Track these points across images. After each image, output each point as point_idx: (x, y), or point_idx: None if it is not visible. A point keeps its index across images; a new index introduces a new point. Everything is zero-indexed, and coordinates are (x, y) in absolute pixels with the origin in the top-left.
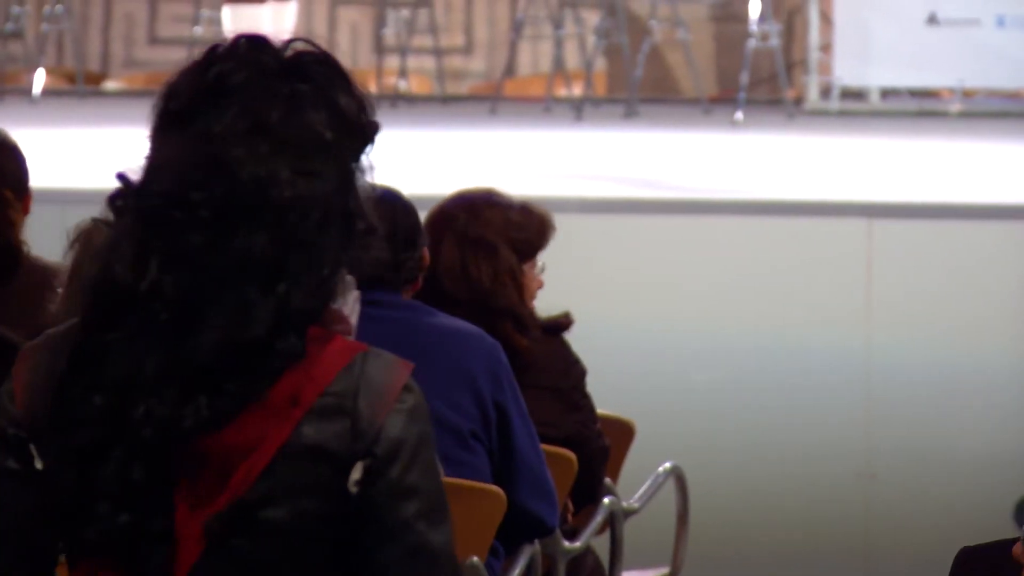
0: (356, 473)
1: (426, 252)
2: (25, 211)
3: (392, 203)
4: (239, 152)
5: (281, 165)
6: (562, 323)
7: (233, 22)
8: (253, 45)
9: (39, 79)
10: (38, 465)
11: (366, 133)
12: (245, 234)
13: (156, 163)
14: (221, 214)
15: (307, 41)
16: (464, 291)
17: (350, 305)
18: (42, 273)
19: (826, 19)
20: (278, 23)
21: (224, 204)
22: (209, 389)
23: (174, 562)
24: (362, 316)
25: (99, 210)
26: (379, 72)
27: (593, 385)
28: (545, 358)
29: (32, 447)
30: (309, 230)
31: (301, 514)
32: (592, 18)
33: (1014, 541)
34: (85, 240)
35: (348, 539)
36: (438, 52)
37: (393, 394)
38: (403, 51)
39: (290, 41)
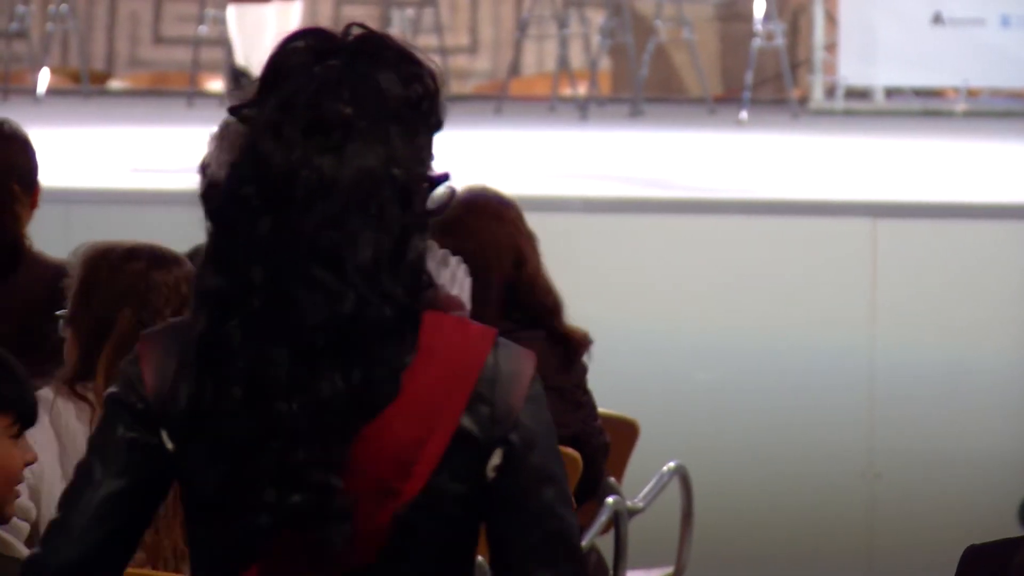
0: (496, 459)
1: None
2: (33, 205)
3: None
4: (267, 142)
5: (309, 149)
6: (577, 341)
7: (238, 22)
8: (304, 34)
9: (44, 78)
10: (169, 446)
11: (412, 105)
12: (298, 218)
13: (210, 161)
14: (271, 203)
15: (360, 25)
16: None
17: (458, 281)
18: (43, 268)
19: (831, 19)
20: (282, 23)
21: (268, 194)
22: (336, 368)
23: (354, 547)
24: None
25: (103, 209)
26: None
27: (597, 384)
28: (545, 357)
29: (163, 429)
30: (354, 207)
31: (455, 498)
32: (597, 17)
33: (1022, 540)
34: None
35: (475, 525)
36: (443, 51)
37: (525, 383)
38: None
39: (349, 26)
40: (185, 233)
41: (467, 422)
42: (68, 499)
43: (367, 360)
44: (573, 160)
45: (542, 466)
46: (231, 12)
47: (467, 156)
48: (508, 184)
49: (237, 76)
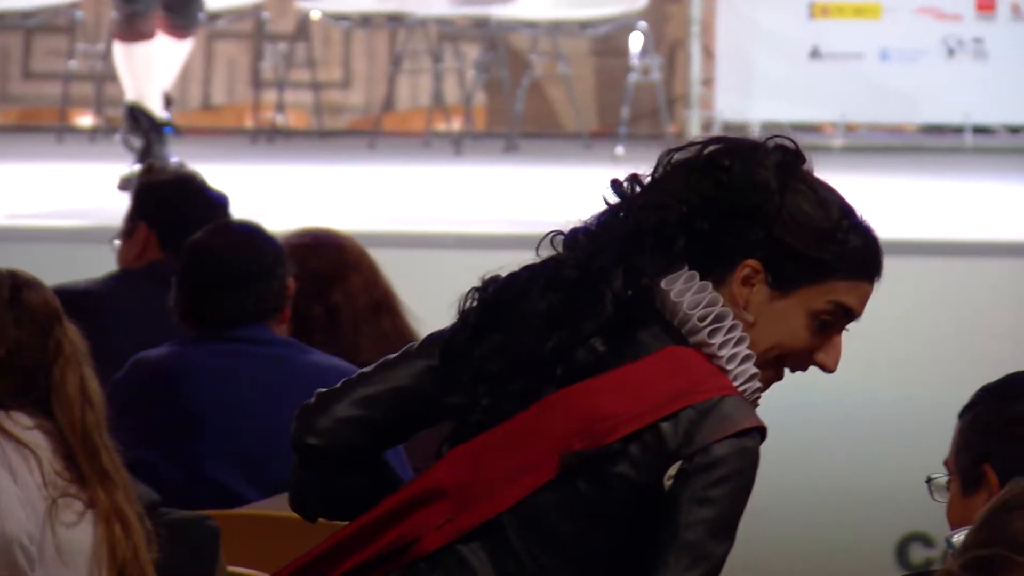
0: (672, 470)
1: (291, 282)
2: None
3: (249, 234)
4: None
5: None
6: None
7: (126, 60)
8: None
9: None
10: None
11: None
12: None
13: None
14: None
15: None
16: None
17: (740, 372)
18: None
19: (708, 53)
20: (172, 59)
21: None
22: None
23: (520, 479)
24: (241, 353)
25: None
26: (256, 106)
27: None
28: None
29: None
30: None
31: (628, 484)
32: (472, 52)
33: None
34: None
35: (645, 529)
36: (316, 86)
37: (734, 427)
38: (281, 85)
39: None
40: (53, 269)
41: (665, 426)
42: None
43: (609, 346)
44: (448, 196)
45: (707, 490)
46: (118, 50)
47: (340, 192)
48: (382, 220)
49: (132, 113)
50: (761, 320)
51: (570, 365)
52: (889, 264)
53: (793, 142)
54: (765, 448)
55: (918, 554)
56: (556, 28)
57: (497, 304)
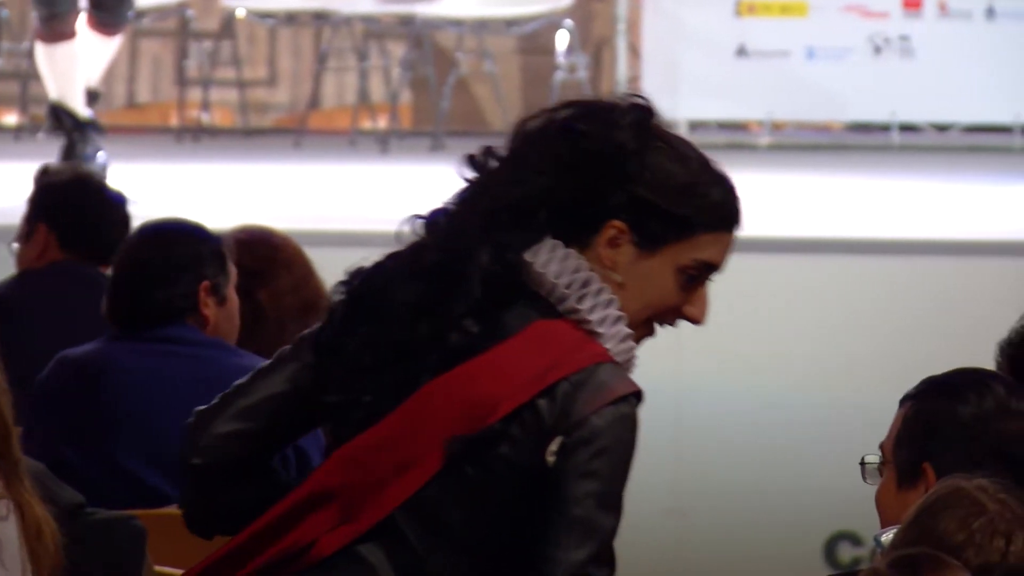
0: (553, 446)
1: (206, 283)
2: None
3: (167, 233)
4: None
5: None
6: None
7: (47, 60)
8: None
9: None
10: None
11: None
12: None
13: None
14: None
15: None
16: None
17: (613, 334)
18: None
19: (634, 51)
20: (95, 58)
21: None
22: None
23: (408, 473)
24: (164, 353)
25: None
26: (181, 104)
27: None
28: None
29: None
30: None
31: (513, 464)
32: (398, 50)
33: None
34: None
35: (529, 507)
36: (241, 84)
37: (611, 395)
38: (206, 83)
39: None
40: None
41: (542, 402)
42: None
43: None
44: (374, 195)
45: (589, 463)
46: (40, 50)
47: (266, 191)
48: (308, 219)
49: (55, 112)
50: (630, 280)
51: (444, 351)
52: (817, 263)
53: (645, 99)
54: (696, 447)
55: (846, 553)
56: (482, 26)
57: (364, 296)
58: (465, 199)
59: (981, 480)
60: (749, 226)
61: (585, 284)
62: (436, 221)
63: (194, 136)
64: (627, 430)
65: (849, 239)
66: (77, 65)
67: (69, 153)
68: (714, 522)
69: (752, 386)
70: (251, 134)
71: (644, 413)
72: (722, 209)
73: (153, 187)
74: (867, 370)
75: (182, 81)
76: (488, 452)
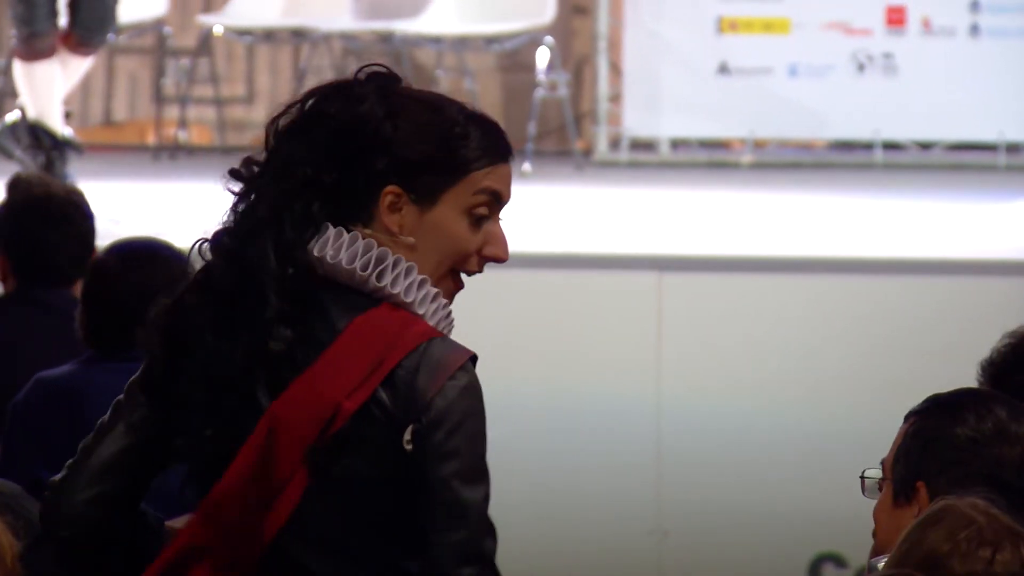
0: (407, 435)
1: None
2: None
3: (162, 256)
4: None
5: None
6: None
7: (26, 78)
8: None
9: None
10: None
11: None
12: None
13: None
14: None
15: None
16: None
17: (422, 299)
18: None
19: (615, 69)
20: (70, 77)
21: None
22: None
23: (279, 498)
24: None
25: None
26: (158, 122)
27: None
28: None
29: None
30: None
31: (373, 461)
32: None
33: None
34: None
35: (402, 497)
36: (219, 102)
37: (448, 371)
38: (183, 101)
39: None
40: None
41: (386, 398)
42: None
43: (301, 331)
44: None
45: (444, 443)
46: (18, 68)
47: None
48: None
49: (33, 131)
50: (421, 239)
51: (270, 365)
52: (800, 283)
53: (384, 67)
54: (678, 468)
55: (831, 574)
56: (462, 43)
57: (174, 334)
58: (239, 212)
59: (972, 499)
60: (731, 246)
61: (380, 260)
62: (220, 240)
63: (171, 154)
64: (473, 399)
65: (832, 258)
66: (56, 83)
67: (47, 172)
68: (697, 543)
69: (735, 406)
70: (229, 152)
71: (624, 433)
72: (486, 140)
73: (129, 206)
74: (850, 390)
75: (159, 99)
76: (347, 455)
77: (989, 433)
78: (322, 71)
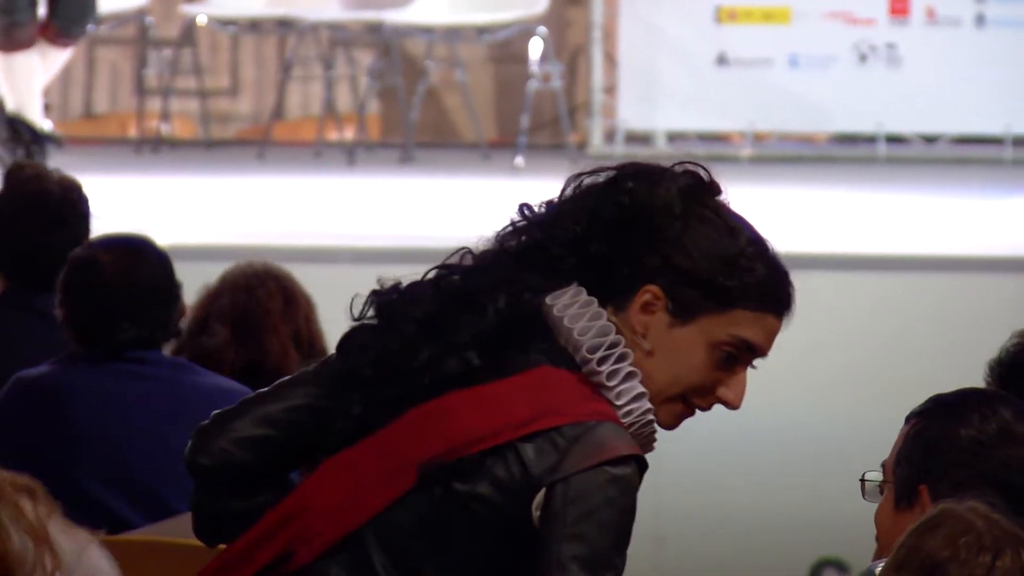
0: (538, 497)
1: (184, 305)
2: None
3: (149, 254)
4: None
5: None
6: None
7: (5, 71)
8: None
9: None
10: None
11: None
12: None
13: None
14: None
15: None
16: None
17: (626, 399)
18: None
19: (610, 60)
20: (49, 68)
21: None
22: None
23: (384, 488)
24: (126, 374)
25: None
26: (140, 115)
27: None
28: None
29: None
30: None
31: (493, 506)
32: (365, 58)
33: None
34: None
35: (506, 558)
36: (203, 94)
37: (605, 455)
38: (166, 93)
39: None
40: None
41: (531, 452)
42: None
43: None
44: (340, 208)
45: (573, 524)
46: None
47: (228, 204)
48: (272, 234)
49: (12, 124)
50: (659, 350)
51: (439, 377)
52: (801, 279)
53: (707, 171)
54: (680, 472)
55: None
56: (453, 33)
57: (384, 308)
58: (502, 237)
59: (973, 503)
60: None
61: (611, 347)
62: (471, 253)
63: (154, 147)
64: (621, 492)
65: (834, 254)
66: (35, 75)
67: None
68: (697, 549)
69: (732, 412)
70: (213, 145)
71: None
72: (765, 287)
73: (111, 200)
74: (853, 390)
75: (141, 90)
76: (464, 486)
77: (993, 434)
78: (309, 62)
